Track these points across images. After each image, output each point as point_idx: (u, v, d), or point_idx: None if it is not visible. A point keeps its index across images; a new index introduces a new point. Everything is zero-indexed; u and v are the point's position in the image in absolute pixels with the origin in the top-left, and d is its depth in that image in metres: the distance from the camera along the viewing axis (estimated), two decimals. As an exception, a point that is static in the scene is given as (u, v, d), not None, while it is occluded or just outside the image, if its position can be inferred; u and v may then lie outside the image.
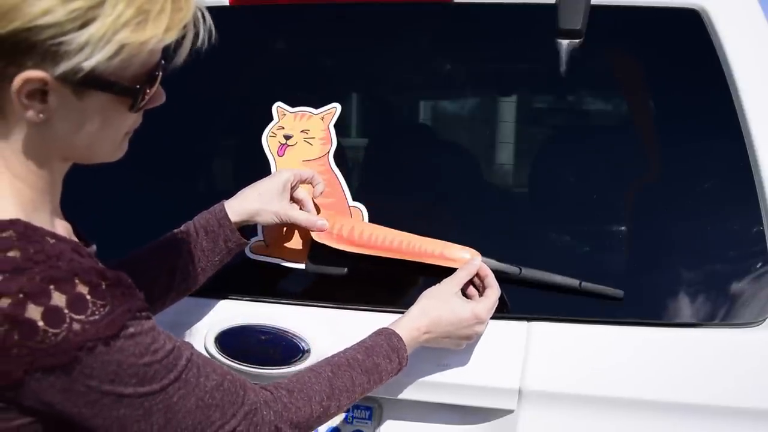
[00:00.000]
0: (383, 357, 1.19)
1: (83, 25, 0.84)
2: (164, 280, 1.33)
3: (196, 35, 0.95)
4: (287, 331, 1.41)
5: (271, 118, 1.54)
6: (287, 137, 1.52)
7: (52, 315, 0.83)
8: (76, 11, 0.84)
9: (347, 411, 1.42)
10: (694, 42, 1.46)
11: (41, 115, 0.88)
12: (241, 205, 1.36)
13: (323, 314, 1.42)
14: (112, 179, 1.52)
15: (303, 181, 1.42)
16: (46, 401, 0.87)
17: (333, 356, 1.18)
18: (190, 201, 1.63)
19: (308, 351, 1.38)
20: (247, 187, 1.38)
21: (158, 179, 1.62)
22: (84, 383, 0.86)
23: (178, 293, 1.36)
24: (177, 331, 1.40)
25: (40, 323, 0.83)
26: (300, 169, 1.42)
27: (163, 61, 0.96)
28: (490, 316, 1.31)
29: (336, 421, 1.43)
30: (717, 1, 1.46)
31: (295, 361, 1.38)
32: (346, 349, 1.20)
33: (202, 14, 0.96)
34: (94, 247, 1.04)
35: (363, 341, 1.22)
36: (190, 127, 1.66)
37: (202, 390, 0.97)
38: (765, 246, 1.32)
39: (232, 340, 1.43)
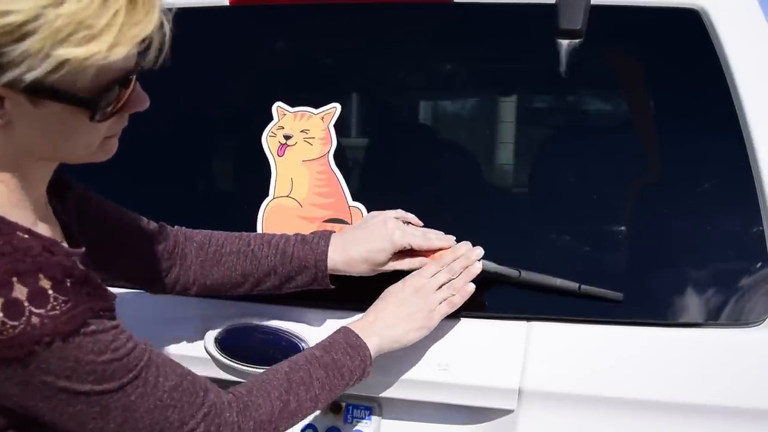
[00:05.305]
0: (341, 353, 1.20)
1: (18, 39, 0.82)
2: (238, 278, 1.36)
3: (160, 49, 0.91)
4: (287, 331, 1.41)
5: (271, 118, 1.54)
6: (287, 137, 1.52)
7: (12, 307, 0.84)
8: (9, 26, 0.82)
9: (348, 413, 1.43)
10: (694, 42, 1.46)
11: (0, 120, 0.89)
12: (344, 265, 1.34)
13: (323, 314, 1.42)
14: (105, 178, 1.52)
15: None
16: (4, 392, 0.88)
17: (293, 356, 1.19)
18: (191, 201, 1.64)
19: (308, 351, 1.37)
20: (353, 245, 1.33)
21: (158, 180, 1.62)
22: (40, 378, 0.87)
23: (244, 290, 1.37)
24: (177, 330, 1.40)
25: (0, 314, 0.83)
26: (407, 236, 1.35)
27: (131, 72, 0.92)
28: (437, 297, 1.29)
29: (336, 420, 1.43)
30: (717, 1, 1.46)
31: (295, 361, 1.37)
32: (307, 348, 1.20)
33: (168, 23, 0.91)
34: (82, 249, 1.03)
35: (323, 340, 1.23)
36: (190, 127, 1.65)
37: (160, 390, 0.97)
38: (765, 246, 1.32)
39: (232, 340, 1.43)
